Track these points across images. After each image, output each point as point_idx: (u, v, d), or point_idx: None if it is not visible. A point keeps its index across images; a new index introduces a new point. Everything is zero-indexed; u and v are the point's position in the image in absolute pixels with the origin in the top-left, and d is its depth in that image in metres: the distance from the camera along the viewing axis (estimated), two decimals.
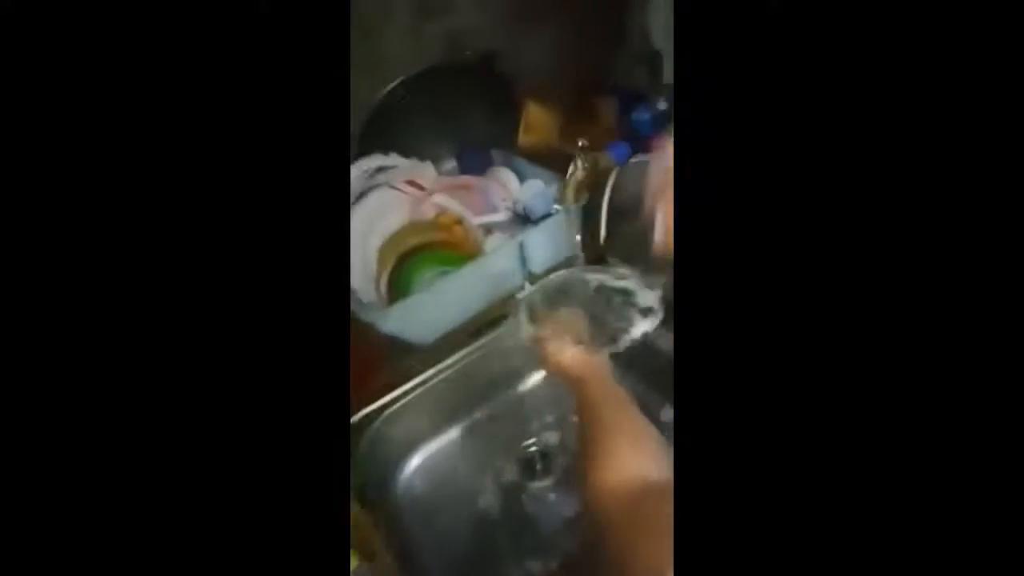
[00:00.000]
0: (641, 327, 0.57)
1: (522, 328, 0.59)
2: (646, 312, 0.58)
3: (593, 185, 0.58)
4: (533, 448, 0.71)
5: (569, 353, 0.49)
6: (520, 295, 0.76)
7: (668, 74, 0.95)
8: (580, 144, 0.55)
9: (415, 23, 0.80)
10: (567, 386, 0.48)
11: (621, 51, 0.99)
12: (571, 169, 0.55)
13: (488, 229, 0.79)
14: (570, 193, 0.57)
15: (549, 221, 0.73)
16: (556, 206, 0.79)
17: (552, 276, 0.65)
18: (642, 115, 0.67)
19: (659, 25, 0.90)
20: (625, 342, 0.56)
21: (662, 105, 0.90)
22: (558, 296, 0.62)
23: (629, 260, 0.78)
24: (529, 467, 0.69)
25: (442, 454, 0.72)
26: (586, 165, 0.56)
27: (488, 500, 0.67)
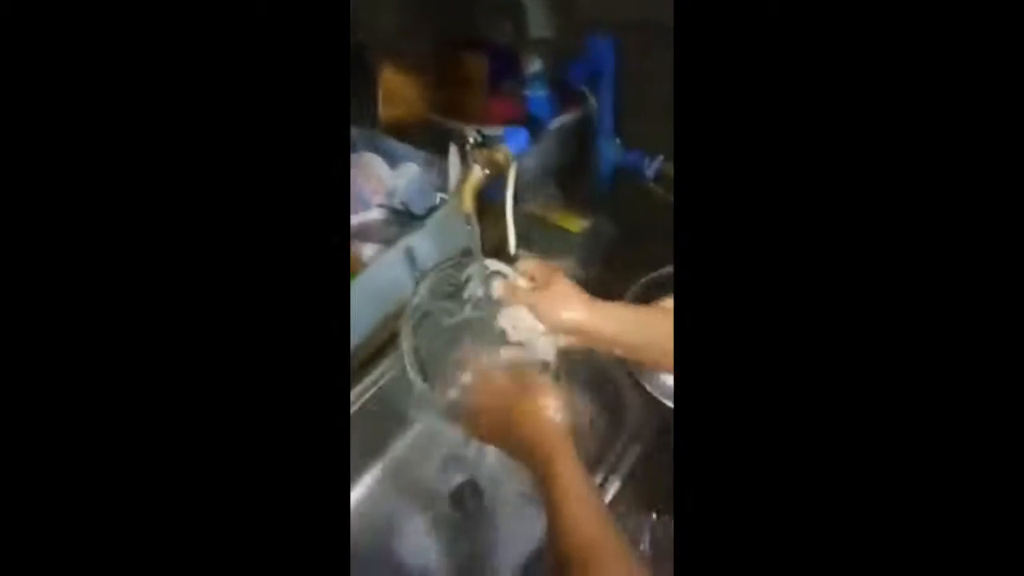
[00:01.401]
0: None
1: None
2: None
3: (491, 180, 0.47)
4: (459, 480, 0.61)
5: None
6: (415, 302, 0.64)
7: (533, 28, 0.86)
8: (472, 140, 0.44)
9: None
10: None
11: (480, 3, 0.86)
12: (463, 172, 0.44)
13: (362, 232, 0.64)
14: (467, 200, 0.46)
15: (437, 217, 0.61)
16: (440, 194, 0.67)
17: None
18: (537, 91, 0.56)
19: None
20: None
21: (536, 65, 0.81)
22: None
23: (551, 254, 0.70)
24: (459, 501, 0.60)
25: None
26: (485, 168, 0.44)
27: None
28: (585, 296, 0.43)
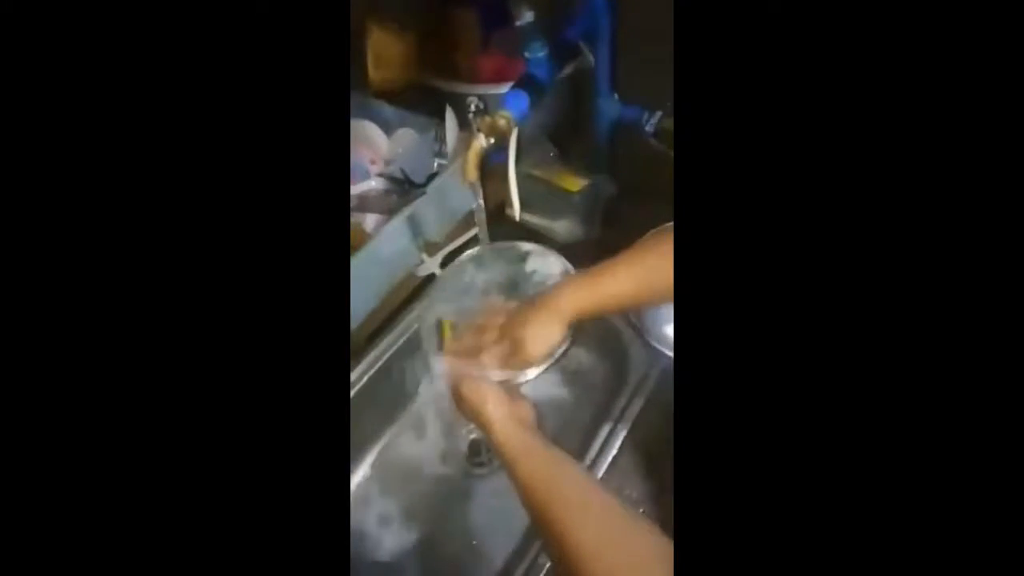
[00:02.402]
0: None
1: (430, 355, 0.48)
2: None
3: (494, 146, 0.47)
4: (475, 435, 0.65)
5: (490, 410, 0.41)
6: (420, 270, 0.65)
7: None
8: (475, 107, 0.44)
9: None
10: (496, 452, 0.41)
11: None
12: (464, 139, 0.44)
13: (361, 202, 0.65)
14: (471, 169, 0.46)
15: (437, 184, 0.61)
16: (439, 160, 0.67)
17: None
18: (536, 52, 0.55)
19: None
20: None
21: (527, 17, 0.78)
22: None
23: (550, 215, 0.70)
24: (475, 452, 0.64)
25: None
26: (490, 137, 0.44)
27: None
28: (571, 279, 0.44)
